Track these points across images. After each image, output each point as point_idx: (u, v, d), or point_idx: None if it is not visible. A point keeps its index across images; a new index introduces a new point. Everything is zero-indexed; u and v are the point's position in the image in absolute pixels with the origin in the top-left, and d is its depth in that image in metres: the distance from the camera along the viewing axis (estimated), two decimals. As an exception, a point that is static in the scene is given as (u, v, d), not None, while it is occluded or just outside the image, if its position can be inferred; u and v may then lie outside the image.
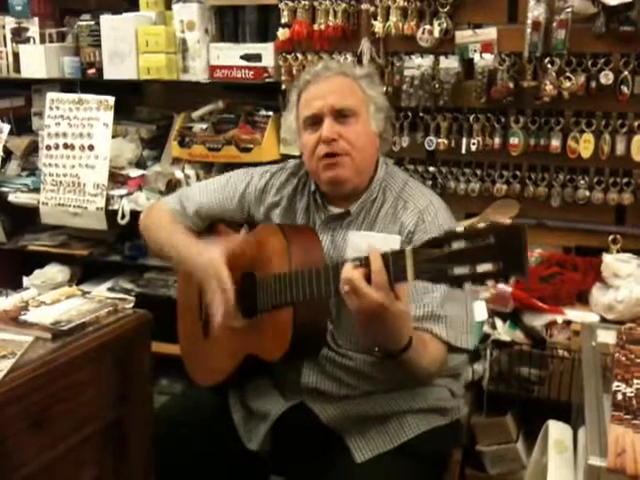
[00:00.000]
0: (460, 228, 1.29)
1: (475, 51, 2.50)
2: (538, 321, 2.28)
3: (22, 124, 3.29)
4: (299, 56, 2.70)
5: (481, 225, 1.27)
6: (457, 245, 1.28)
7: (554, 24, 2.34)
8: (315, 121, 1.73)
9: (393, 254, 1.38)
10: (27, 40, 3.12)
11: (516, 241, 1.24)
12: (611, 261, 2.31)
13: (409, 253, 1.35)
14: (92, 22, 2.96)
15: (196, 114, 2.93)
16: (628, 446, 1.24)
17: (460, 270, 1.27)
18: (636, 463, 1.20)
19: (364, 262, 1.41)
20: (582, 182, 2.48)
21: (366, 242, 1.65)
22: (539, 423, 1.92)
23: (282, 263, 1.65)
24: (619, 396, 1.42)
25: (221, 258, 1.70)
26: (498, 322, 2.32)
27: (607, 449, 1.26)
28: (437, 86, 2.56)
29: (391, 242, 1.66)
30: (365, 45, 2.60)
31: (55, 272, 3.04)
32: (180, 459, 1.80)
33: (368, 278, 1.38)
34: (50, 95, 2.99)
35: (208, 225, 1.97)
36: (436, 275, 1.31)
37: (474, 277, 1.27)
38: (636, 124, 2.37)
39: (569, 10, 2.32)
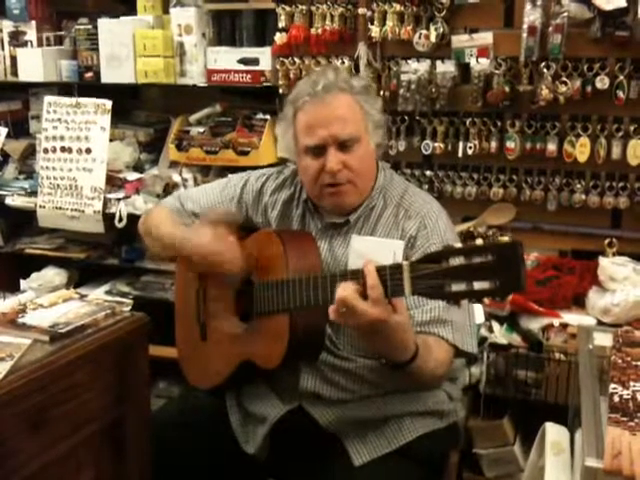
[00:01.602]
0: (458, 244, 1.30)
1: (471, 55, 2.51)
2: (535, 324, 2.29)
3: (19, 127, 3.29)
4: (296, 60, 2.71)
5: (479, 242, 1.28)
6: (455, 261, 1.28)
7: (550, 29, 2.36)
8: (318, 150, 1.70)
9: (390, 268, 1.38)
10: (25, 44, 3.12)
11: (513, 260, 1.25)
12: (607, 264, 2.32)
13: (406, 267, 1.35)
14: (90, 26, 2.97)
15: (193, 118, 2.94)
16: (624, 448, 1.24)
17: (457, 287, 1.28)
18: (632, 464, 1.20)
19: (360, 277, 1.41)
20: (578, 186, 2.49)
21: (369, 247, 1.66)
22: (536, 426, 1.92)
23: (280, 269, 1.65)
24: (616, 398, 1.42)
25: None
26: (495, 325, 2.33)
27: (604, 451, 1.26)
28: (434, 90, 2.57)
29: (394, 247, 1.66)
30: (362, 49, 2.61)
31: (52, 275, 3.04)
32: (177, 462, 1.80)
33: (365, 293, 1.38)
34: (47, 98, 2.99)
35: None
36: (433, 291, 1.32)
37: (471, 294, 1.28)
38: (632, 128, 2.39)
39: (565, 15, 2.33)
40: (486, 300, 2.22)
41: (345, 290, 1.39)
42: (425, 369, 1.54)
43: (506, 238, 1.30)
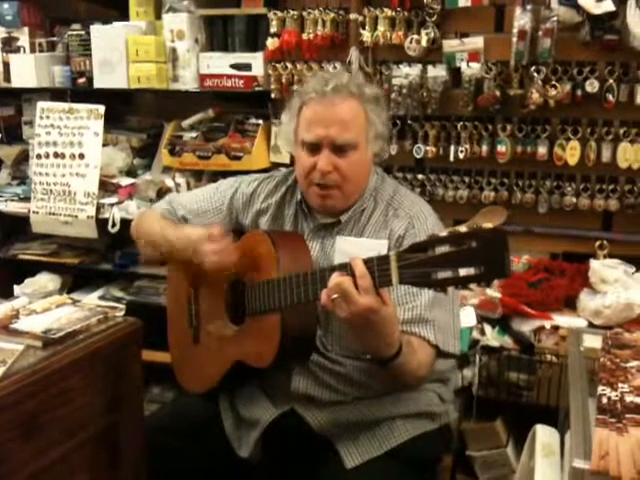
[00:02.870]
0: (444, 233, 1.31)
1: (462, 60, 2.53)
2: (526, 327, 2.30)
3: (12, 133, 3.29)
4: (288, 65, 2.72)
5: (464, 229, 1.29)
6: (440, 249, 1.30)
7: (540, 33, 2.38)
8: (313, 147, 1.71)
9: (378, 259, 1.40)
10: (17, 50, 3.13)
11: (497, 245, 1.26)
12: (598, 267, 2.33)
13: (393, 257, 1.37)
14: (82, 32, 2.98)
15: (186, 123, 2.95)
16: (612, 449, 1.25)
17: (443, 274, 1.29)
18: (619, 465, 1.21)
19: (348, 270, 1.42)
20: (569, 189, 2.51)
21: (353, 248, 1.67)
22: (529, 428, 1.93)
23: (270, 270, 1.67)
24: (604, 400, 1.43)
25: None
26: (487, 328, 2.34)
27: (591, 452, 1.27)
28: (425, 94, 2.59)
29: (378, 247, 1.67)
30: (354, 54, 2.63)
31: (46, 281, 3.04)
32: (171, 466, 1.80)
33: (354, 283, 1.40)
34: (40, 104, 3.00)
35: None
36: (420, 279, 1.33)
37: (457, 281, 1.29)
38: (621, 131, 2.41)
39: (554, 19, 2.35)
40: (478, 301, 2.27)
41: (339, 277, 1.41)
42: (407, 368, 1.55)
43: (490, 225, 1.30)
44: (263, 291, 1.66)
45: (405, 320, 1.62)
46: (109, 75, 2.91)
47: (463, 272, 1.27)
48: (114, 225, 2.86)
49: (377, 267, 1.39)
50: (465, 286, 1.30)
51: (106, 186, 2.96)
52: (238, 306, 1.76)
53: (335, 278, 1.42)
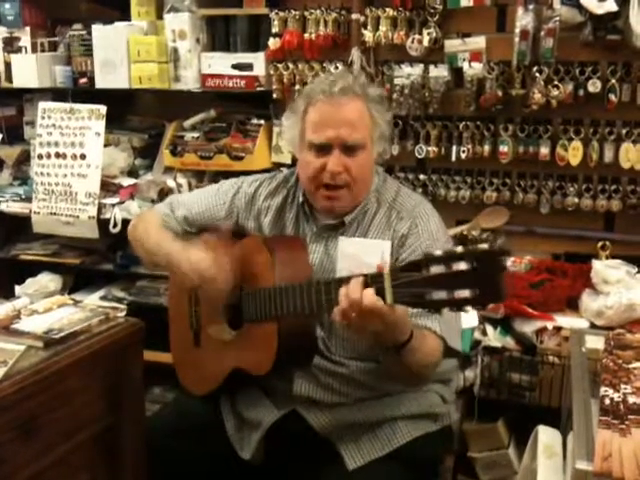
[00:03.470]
0: (439, 252, 1.29)
1: (464, 60, 2.52)
2: (528, 327, 2.30)
3: (14, 133, 3.29)
4: (290, 65, 2.72)
5: (459, 249, 1.27)
6: (435, 269, 1.28)
7: (542, 33, 2.37)
8: (322, 148, 1.71)
9: (372, 276, 1.38)
10: (19, 50, 3.12)
11: (494, 268, 1.25)
12: (601, 267, 2.32)
13: (387, 276, 1.35)
14: (84, 32, 2.97)
15: (188, 123, 2.94)
16: (615, 450, 1.25)
17: (438, 295, 1.28)
18: (622, 466, 1.21)
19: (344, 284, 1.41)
20: (571, 189, 2.50)
21: (357, 249, 1.67)
22: (531, 429, 1.93)
23: (267, 277, 1.66)
24: (607, 401, 1.43)
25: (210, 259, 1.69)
26: (489, 328, 2.34)
27: (594, 453, 1.27)
28: (427, 94, 2.58)
29: (382, 248, 1.67)
30: (355, 54, 2.62)
31: (47, 281, 3.04)
32: (173, 467, 1.80)
33: None
34: (42, 104, 2.99)
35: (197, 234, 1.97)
36: (414, 299, 1.31)
37: (451, 303, 1.27)
38: (624, 132, 2.40)
39: (557, 19, 2.34)
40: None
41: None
42: (418, 356, 1.52)
43: (485, 245, 1.28)
44: (260, 299, 1.66)
45: (412, 313, 1.60)
46: (110, 75, 2.90)
47: (458, 294, 1.26)
48: (115, 225, 2.85)
49: (371, 284, 1.37)
50: (460, 308, 1.28)
51: (107, 186, 2.95)
52: (237, 311, 1.76)
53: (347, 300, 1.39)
